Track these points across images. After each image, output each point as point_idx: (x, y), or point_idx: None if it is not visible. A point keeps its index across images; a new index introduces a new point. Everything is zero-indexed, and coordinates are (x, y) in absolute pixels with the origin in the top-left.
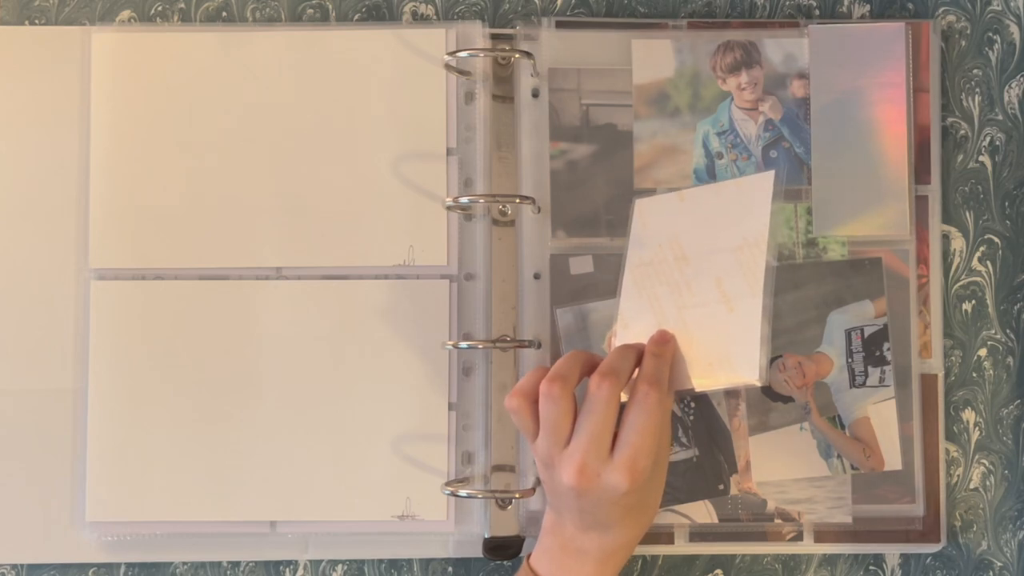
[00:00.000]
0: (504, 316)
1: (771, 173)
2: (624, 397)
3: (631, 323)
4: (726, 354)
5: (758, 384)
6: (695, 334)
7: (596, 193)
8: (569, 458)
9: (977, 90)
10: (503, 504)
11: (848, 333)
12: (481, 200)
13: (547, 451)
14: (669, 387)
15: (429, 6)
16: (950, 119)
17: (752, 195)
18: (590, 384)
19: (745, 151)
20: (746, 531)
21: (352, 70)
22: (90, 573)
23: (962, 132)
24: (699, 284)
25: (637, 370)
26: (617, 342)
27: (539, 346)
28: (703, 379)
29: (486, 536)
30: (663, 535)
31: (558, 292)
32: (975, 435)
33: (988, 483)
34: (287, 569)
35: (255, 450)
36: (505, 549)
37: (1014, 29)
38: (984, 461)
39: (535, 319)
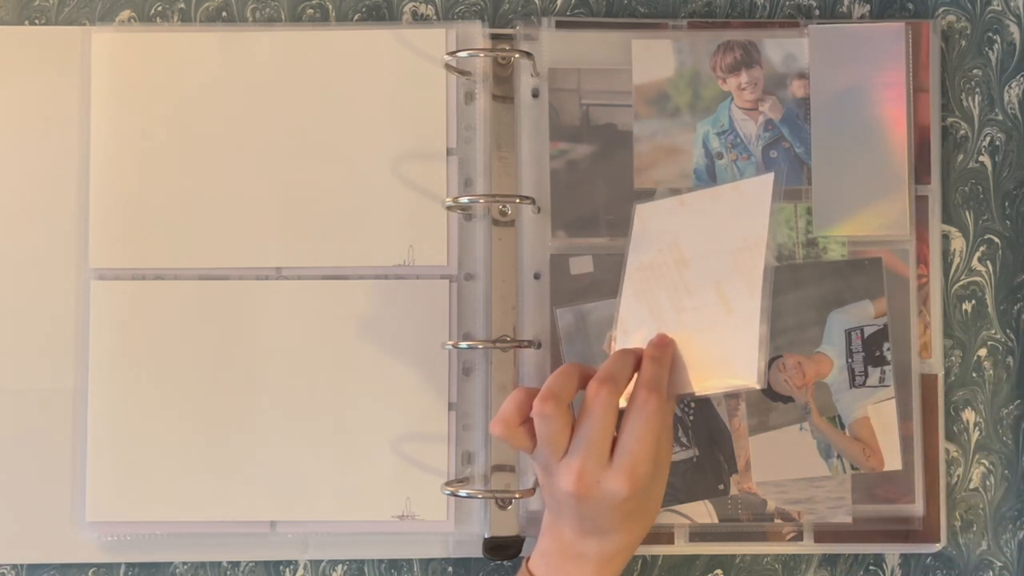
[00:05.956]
0: (504, 316)
1: (770, 176)
2: (624, 402)
3: (631, 329)
4: (724, 357)
5: (756, 387)
6: (694, 337)
7: (596, 193)
8: (568, 464)
9: (977, 90)
10: (503, 504)
11: (848, 333)
12: (481, 200)
13: (545, 460)
14: (669, 392)
15: (429, 6)
16: (950, 119)
17: (752, 197)
18: (588, 391)
19: (745, 151)
20: (746, 531)
21: (352, 70)
22: (90, 573)
23: (962, 132)
24: (698, 287)
25: (636, 375)
26: (617, 347)
27: (539, 346)
28: (703, 383)
29: (486, 536)
30: (663, 535)
31: (558, 292)
32: (975, 435)
33: (988, 483)
34: (287, 569)
35: (255, 450)
36: (505, 549)
37: (1014, 29)
38: (984, 461)
39: (535, 319)
